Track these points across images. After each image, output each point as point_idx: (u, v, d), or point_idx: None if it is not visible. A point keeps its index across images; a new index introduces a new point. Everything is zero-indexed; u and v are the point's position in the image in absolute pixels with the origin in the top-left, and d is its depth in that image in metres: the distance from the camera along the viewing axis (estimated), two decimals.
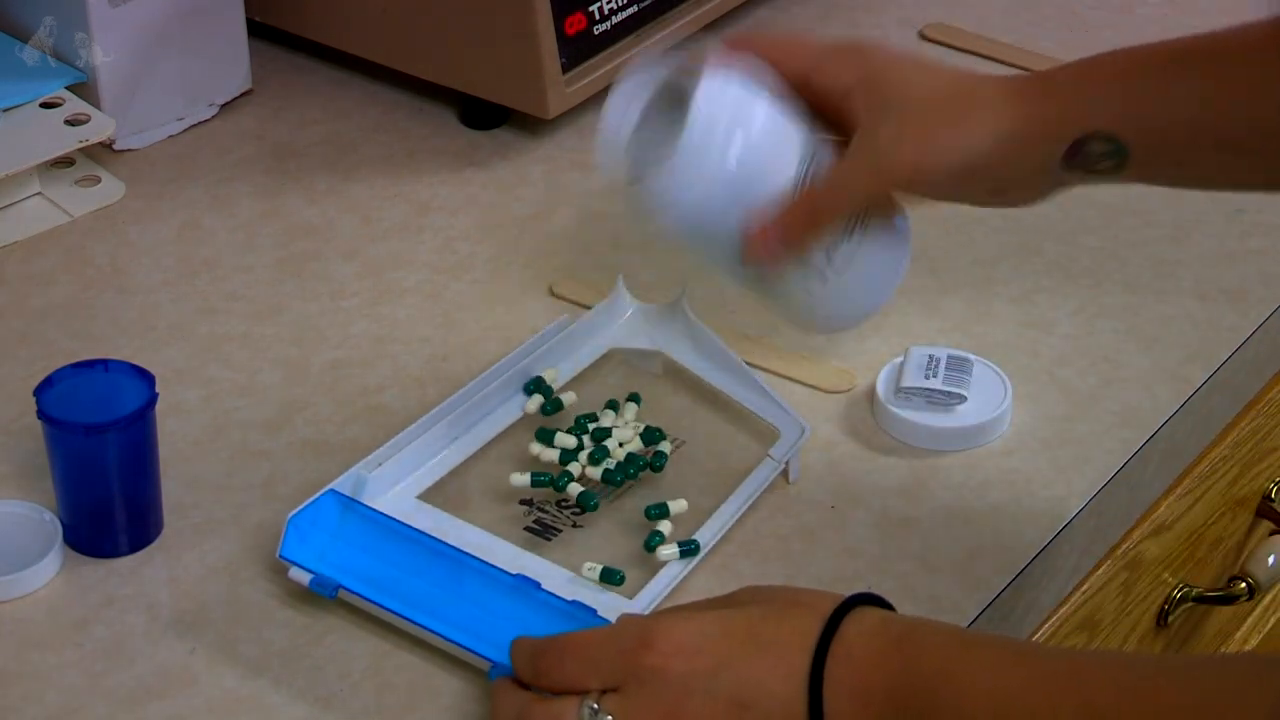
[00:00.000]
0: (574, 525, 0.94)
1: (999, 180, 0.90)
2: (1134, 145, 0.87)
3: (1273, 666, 0.71)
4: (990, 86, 0.90)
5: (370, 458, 0.93)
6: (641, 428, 0.97)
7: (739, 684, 0.77)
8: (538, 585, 0.86)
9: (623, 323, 1.03)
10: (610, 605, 0.86)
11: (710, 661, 0.77)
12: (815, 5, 1.33)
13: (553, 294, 1.09)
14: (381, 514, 0.90)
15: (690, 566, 0.90)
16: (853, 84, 0.89)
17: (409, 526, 0.89)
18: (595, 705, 0.77)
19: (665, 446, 0.96)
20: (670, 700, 0.77)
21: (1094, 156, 0.87)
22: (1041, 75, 0.90)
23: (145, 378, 0.91)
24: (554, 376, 0.99)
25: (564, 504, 0.94)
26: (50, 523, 0.92)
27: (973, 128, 0.88)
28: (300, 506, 0.89)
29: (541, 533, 0.93)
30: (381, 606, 0.86)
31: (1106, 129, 0.87)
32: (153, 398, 0.90)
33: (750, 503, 0.94)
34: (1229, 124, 0.86)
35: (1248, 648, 1.39)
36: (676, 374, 1.03)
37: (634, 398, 0.99)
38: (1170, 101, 0.87)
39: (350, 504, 0.90)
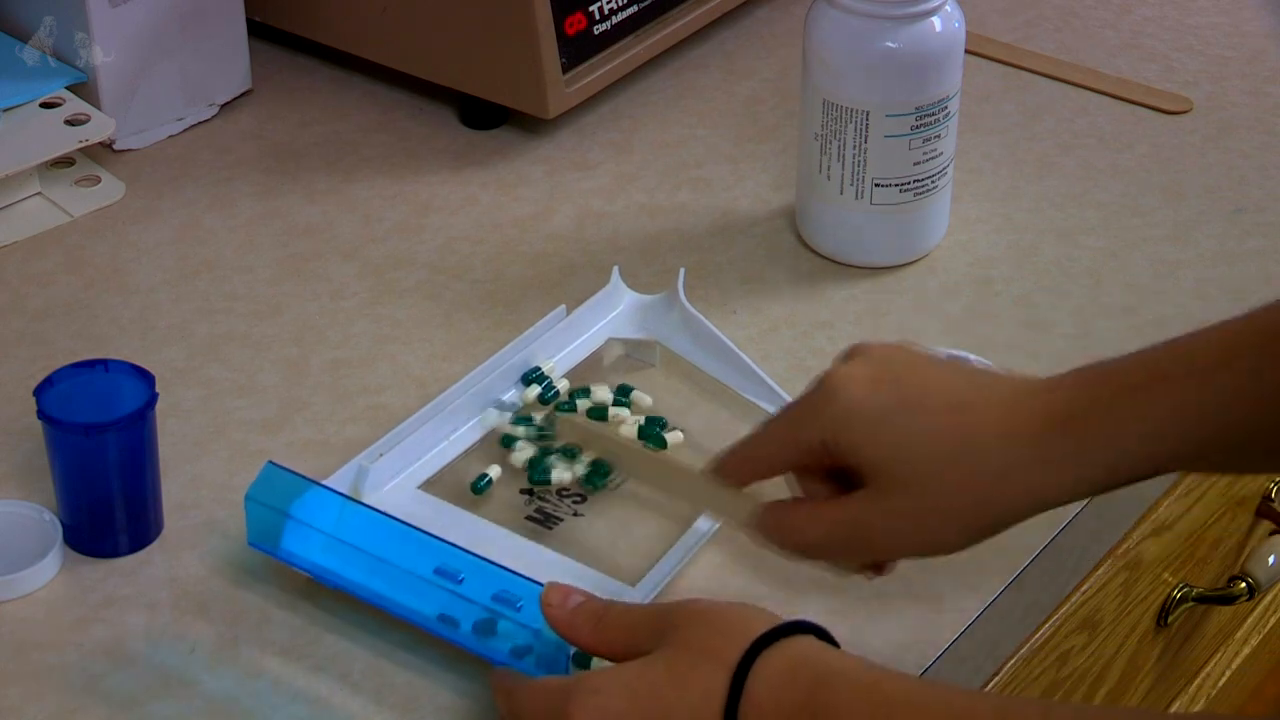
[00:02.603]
0: (575, 514, 0.94)
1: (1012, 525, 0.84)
2: (1177, 468, 0.83)
3: None
4: (994, 449, 0.81)
5: (371, 449, 0.93)
6: (643, 419, 0.97)
7: None
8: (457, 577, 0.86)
9: (619, 313, 1.04)
10: (614, 593, 0.87)
11: None
12: None
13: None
14: (337, 492, 0.90)
15: (688, 556, 0.90)
16: (829, 442, 0.83)
17: (347, 496, 0.89)
18: None
19: (674, 436, 0.96)
20: None
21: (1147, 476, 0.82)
22: (1055, 418, 0.81)
23: (145, 378, 0.91)
24: (551, 368, 0.99)
25: (564, 493, 0.95)
26: (50, 523, 0.92)
27: (976, 504, 0.81)
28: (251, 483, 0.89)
29: (543, 521, 0.93)
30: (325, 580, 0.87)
31: (1145, 472, 0.81)
32: (153, 398, 0.90)
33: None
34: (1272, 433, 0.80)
35: (1248, 648, 1.39)
36: (673, 364, 1.03)
37: (624, 389, 0.99)
38: (1202, 430, 0.80)
39: (296, 480, 0.89)
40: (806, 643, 0.76)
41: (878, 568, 0.86)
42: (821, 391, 0.83)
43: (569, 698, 0.77)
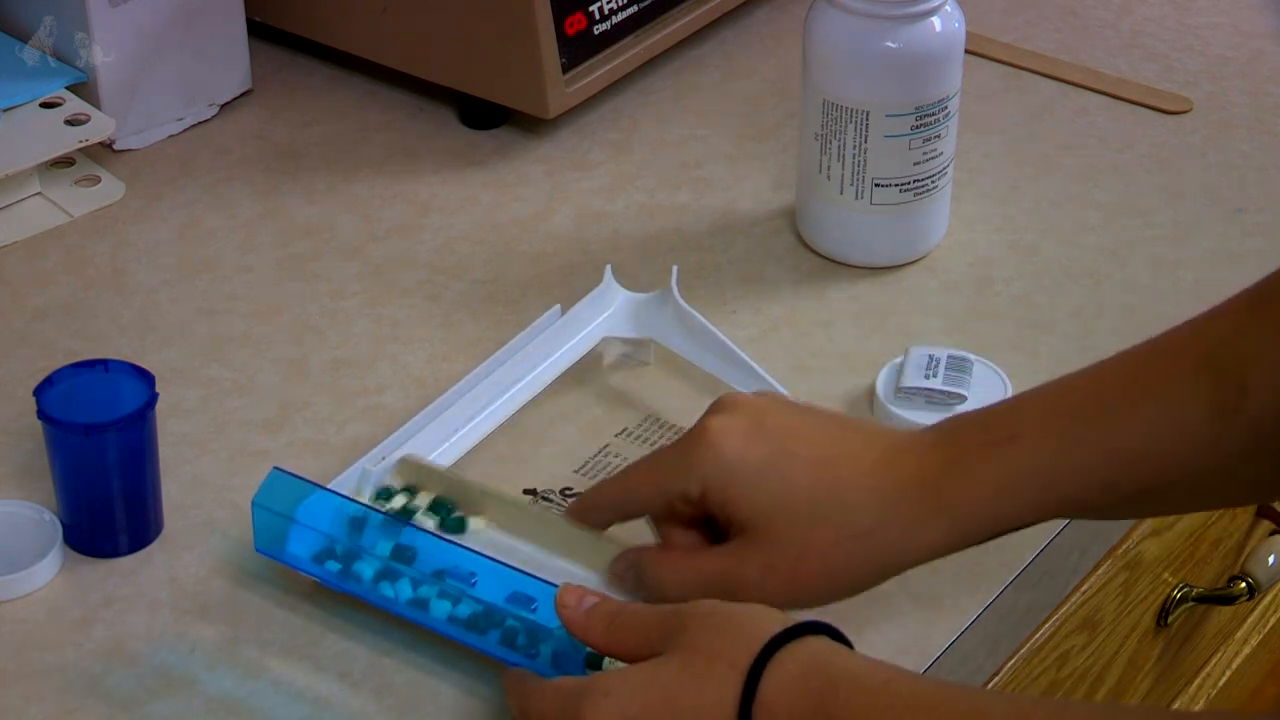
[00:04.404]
0: None
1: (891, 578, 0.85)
2: (1053, 516, 0.84)
3: None
4: (864, 504, 0.81)
5: (373, 452, 0.93)
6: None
7: None
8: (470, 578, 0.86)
9: (614, 312, 1.04)
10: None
11: None
12: None
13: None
14: (333, 491, 0.89)
15: None
16: (705, 493, 0.83)
17: (352, 499, 0.89)
18: None
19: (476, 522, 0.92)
20: None
21: (1012, 532, 0.84)
22: (922, 480, 0.81)
23: (145, 378, 0.91)
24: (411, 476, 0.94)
25: (568, 493, 0.95)
26: (50, 523, 0.92)
27: (846, 559, 0.82)
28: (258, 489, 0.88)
29: None
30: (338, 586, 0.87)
31: (1015, 525, 0.82)
32: (153, 398, 0.90)
33: None
34: (1141, 477, 0.81)
35: (1248, 648, 1.39)
36: (669, 362, 1.03)
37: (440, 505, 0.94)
38: (1075, 479, 0.81)
39: (302, 485, 0.89)
40: (819, 644, 0.76)
41: None
42: (698, 444, 0.83)
43: (581, 699, 0.77)
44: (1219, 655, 1.37)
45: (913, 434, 0.84)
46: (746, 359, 1.00)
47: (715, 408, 0.85)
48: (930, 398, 0.99)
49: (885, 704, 0.74)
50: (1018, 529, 0.83)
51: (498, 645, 0.84)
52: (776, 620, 0.77)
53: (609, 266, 1.04)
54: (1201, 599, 1.20)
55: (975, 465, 0.81)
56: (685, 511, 0.84)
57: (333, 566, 0.87)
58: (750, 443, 0.83)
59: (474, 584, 0.85)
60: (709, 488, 0.82)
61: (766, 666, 0.75)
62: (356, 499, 0.90)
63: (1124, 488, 0.81)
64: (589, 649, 0.81)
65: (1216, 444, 0.80)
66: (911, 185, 1.09)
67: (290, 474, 0.88)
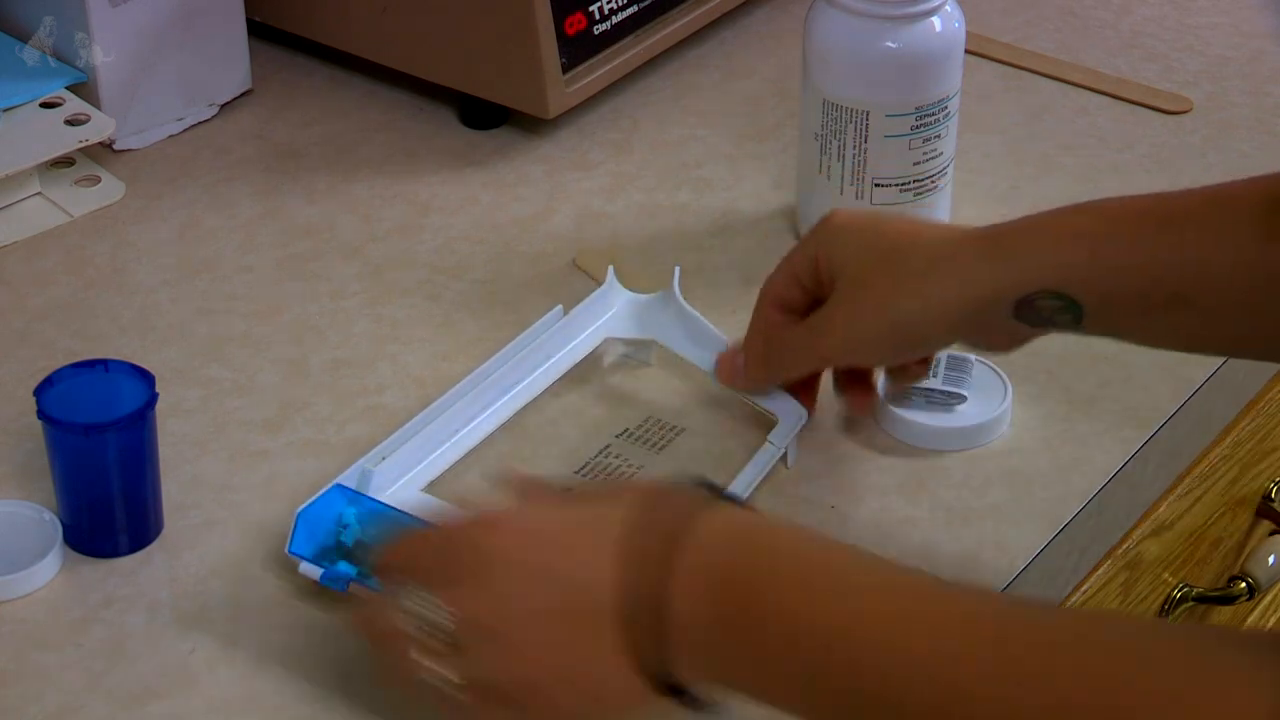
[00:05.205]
0: None
1: (945, 337, 0.91)
2: (1085, 301, 0.86)
3: (1264, 648, 0.67)
4: (927, 250, 0.90)
5: (374, 452, 0.93)
6: None
7: (567, 567, 0.76)
8: None
9: (616, 313, 1.04)
10: None
11: (540, 549, 0.77)
12: None
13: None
14: (388, 505, 0.89)
15: None
16: (819, 255, 0.93)
17: (414, 517, 0.89)
18: (433, 597, 0.77)
19: None
20: (492, 580, 0.76)
21: (1047, 311, 0.87)
22: (987, 232, 0.89)
23: (145, 378, 0.91)
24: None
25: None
26: (50, 523, 0.92)
27: (899, 297, 0.89)
28: (307, 501, 0.89)
29: None
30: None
31: (1054, 286, 0.86)
32: (153, 398, 0.90)
33: (751, 489, 0.94)
34: (1180, 280, 0.85)
35: None
36: (671, 362, 1.03)
37: None
38: (1121, 259, 0.86)
39: (356, 497, 0.89)
40: (739, 511, 0.78)
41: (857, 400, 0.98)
42: (819, 224, 0.94)
43: (496, 515, 0.79)
44: None
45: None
46: None
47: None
48: (930, 398, 0.99)
49: (803, 570, 0.75)
50: (1057, 308, 0.87)
51: None
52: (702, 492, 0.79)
53: (611, 268, 1.04)
54: (1201, 599, 1.20)
55: (1033, 223, 0.88)
56: (812, 286, 0.93)
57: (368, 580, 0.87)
58: (857, 216, 0.94)
59: None
60: (819, 254, 0.92)
61: (702, 511, 0.76)
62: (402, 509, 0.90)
63: (1168, 284, 0.85)
64: None
65: (1265, 264, 0.83)
66: (911, 185, 1.09)
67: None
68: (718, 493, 0.79)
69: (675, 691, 0.76)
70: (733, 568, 0.75)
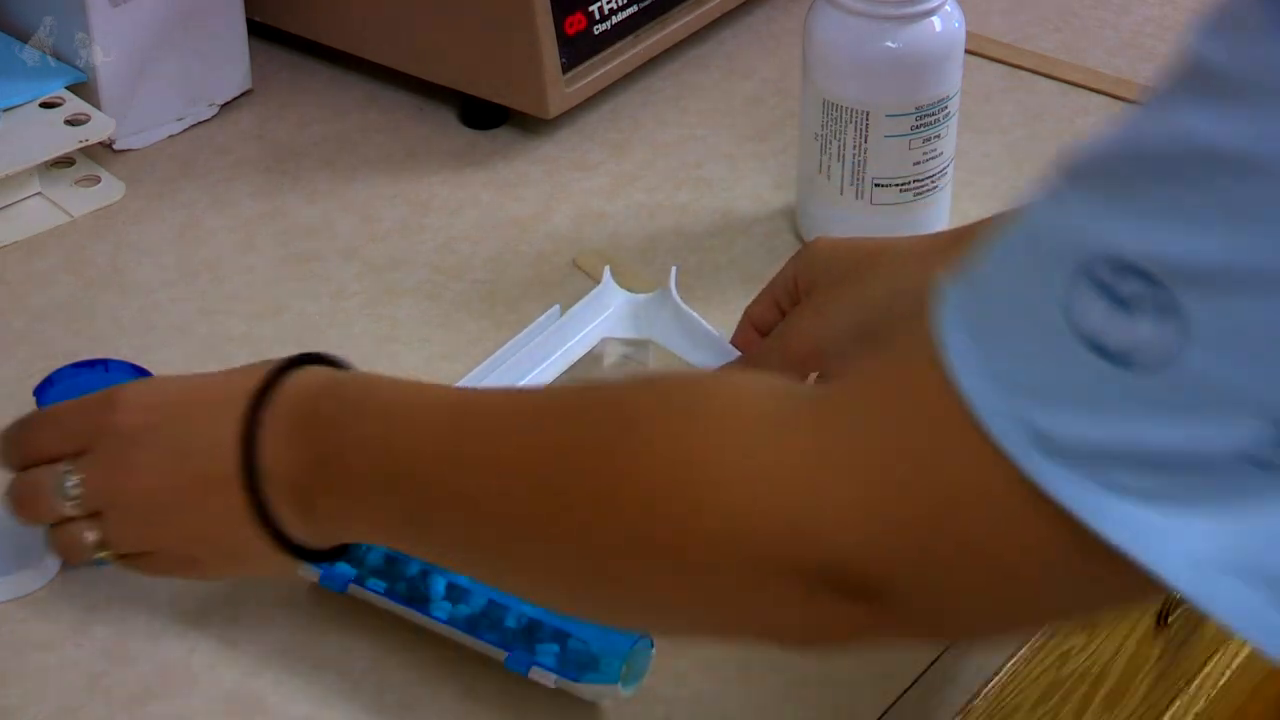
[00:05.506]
0: None
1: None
2: None
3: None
4: (895, 251, 0.93)
5: None
6: None
7: (184, 434, 0.79)
8: None
9: (613, 313, 1.04)
10: None
11: (161, 416, 0.80)
12: None
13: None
14: None
15: None
16: (799, 273, 0.96)
17: None
18: (67, 468, 0.81)
19: None
20: (120, 452, 0.80)
21: None
22: (957, 230, 0.94)
23: (145, 378, 0.91)
24: None
25: None
26: None
27: (865, 288, 0.92)
28: None
29: None
30: (393, 601, 0.86)
31: None
32: None
33: None
34: None
35: (1248, 648, 1.39)
36: (669, 362, 1.03)
37: None
38: None
39: None
40: (338, 370, 0.81)
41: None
42: (803, 245, 0.99)
43: (115, 391, 0.82)
44: (1219, 655, 1.36)
45: None
46: None
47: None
48: None
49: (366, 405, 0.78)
50: None
51: (498, 645, 0.84)
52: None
53: (607, 267, 1.04)
54: None
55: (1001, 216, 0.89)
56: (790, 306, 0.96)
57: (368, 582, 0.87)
58: (839, 241, 0.96)
59: (475, 584, 0.84)
60: (798, 273, 0.95)
61: (297, 369, 0.79)
62: None
63: None
64: (594, 651, 0.81)
65: None
66: (911, 185, 1.09)
67: None
68: (328, 361, 0.81)
69: (301, 549, 0.78)
70: (315, 411, 0.77)
